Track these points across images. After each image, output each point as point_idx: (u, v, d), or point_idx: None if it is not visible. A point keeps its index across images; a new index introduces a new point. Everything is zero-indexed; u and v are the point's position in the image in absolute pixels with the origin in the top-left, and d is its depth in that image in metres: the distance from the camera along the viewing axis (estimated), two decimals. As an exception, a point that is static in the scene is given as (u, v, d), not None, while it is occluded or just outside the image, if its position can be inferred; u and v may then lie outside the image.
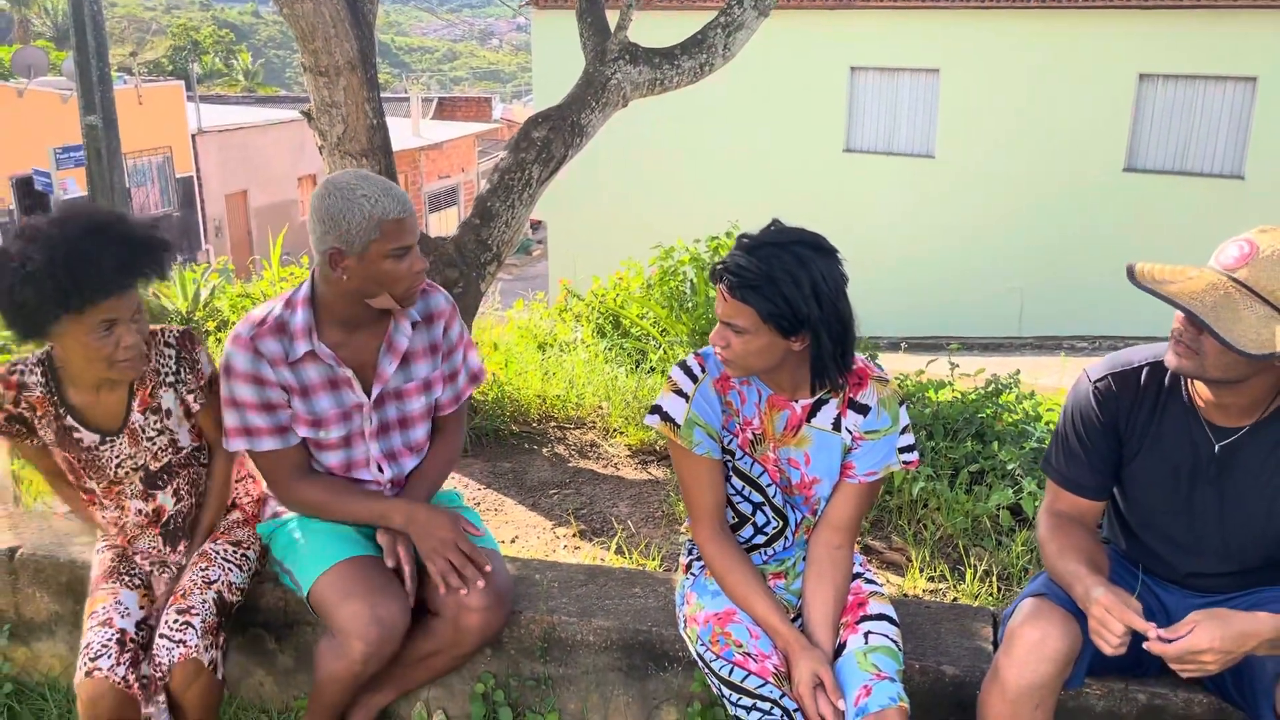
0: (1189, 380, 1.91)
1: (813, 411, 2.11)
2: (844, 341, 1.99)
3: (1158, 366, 1.94)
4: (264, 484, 2.42)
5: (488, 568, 2.21)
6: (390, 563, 2.23)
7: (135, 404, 2.25)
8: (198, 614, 2.18)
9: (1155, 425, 1.95)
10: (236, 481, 2.58)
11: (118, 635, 2.18)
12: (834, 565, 2.12)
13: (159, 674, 2.13)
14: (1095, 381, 1.99)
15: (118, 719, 2.14)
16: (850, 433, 2.11)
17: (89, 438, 2.24)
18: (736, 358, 1.99)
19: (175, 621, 2.16)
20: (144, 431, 2.27)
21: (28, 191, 18.18)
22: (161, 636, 2.15)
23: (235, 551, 2.38)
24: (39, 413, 2.22)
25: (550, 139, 4.05)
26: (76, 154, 15.40)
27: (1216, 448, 1.91)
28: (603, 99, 4.17)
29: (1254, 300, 1.69)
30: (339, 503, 2.27)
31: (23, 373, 2.20)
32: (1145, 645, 1.74)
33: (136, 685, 2.13)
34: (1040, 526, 2.06)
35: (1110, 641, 1.76)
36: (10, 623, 2.71)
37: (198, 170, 22.32)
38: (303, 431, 2.26)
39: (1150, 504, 2.01)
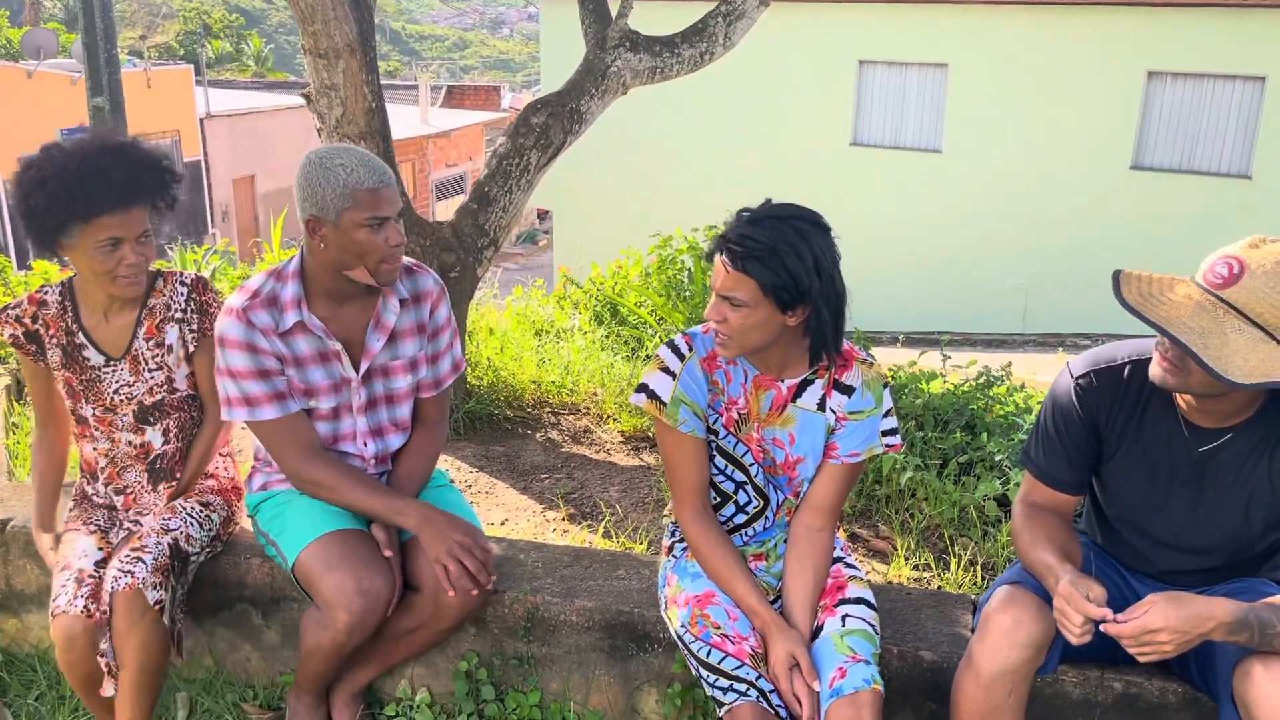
0: None
1: (798, 392, 2.12)
2: (840, 315, 2.01)
3: (1141, 364, 1.91)
4: (260, 459, 2.44)
5: (493, 579, 2.26)
6: (387, 554, 2.23)
7: (141, 332, 2.38)
8: (150, 552, 2.23)
9: (1136, 424, 1.94)
10: (222, 454, 2.62)
11: (75, 574, 2.26)
12: (814, 547, 2.13)
13: (104, 608, 2.18)
14: (1077, 377, 1.97)
15: (91, 664, 2.19)
16: (834, 413, 2.12)
17: (95, 357, 2.37)
18: (733, 333, 1.97)
19: (127, 557, 2.22)
20: (145, 362, 2.38)
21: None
22: (112, 568, 2.21)
23: (200, 510, 2.45)
24: (51, 331, 2.36)
25: (549, 125, 4.06)
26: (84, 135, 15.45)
27: (1196, 451, 1.90)
28: (602, 86, 4.18)
29: (1242, 322, 1.65)
30: (349, 490, 2.25)
31: (46, 292, 2.38)
32: (1102, 628, 1.74)
33: (98, 614, 2.19)
34: (1015, 516, 2.06)
35: (1071, 632, 1.77)
36: (1, 594, 2.74)
37: (205, 154, 22.32)
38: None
39: (1128, 501, 2.01)
